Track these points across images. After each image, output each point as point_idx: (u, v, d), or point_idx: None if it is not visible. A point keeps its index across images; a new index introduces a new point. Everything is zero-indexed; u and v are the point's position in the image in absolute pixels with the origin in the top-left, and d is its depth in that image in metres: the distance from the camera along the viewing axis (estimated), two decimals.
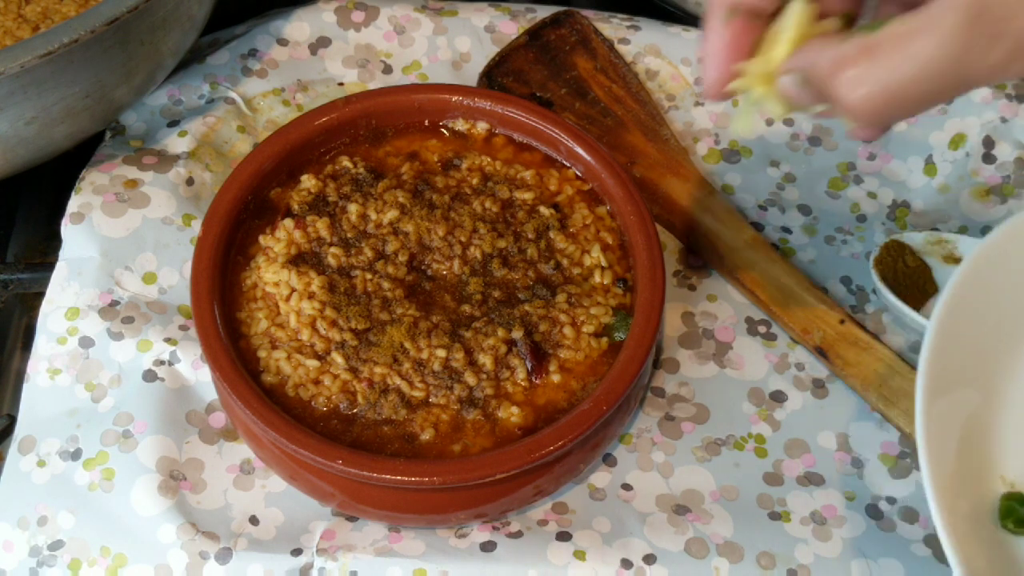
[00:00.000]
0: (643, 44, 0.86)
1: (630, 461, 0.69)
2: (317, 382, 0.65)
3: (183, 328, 0.72)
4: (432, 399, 0.65)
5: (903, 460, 0.69)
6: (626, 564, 0.64)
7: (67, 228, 0.75)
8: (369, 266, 0.68)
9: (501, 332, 0.66)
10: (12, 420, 0.70)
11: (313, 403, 0.65)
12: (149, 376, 0.70)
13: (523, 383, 0.65)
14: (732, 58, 0.54)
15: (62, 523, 0.65)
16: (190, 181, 0.78)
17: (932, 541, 0.66)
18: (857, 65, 0.48)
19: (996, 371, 0.65)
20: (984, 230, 0.78)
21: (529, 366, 0.65)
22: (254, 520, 0.66)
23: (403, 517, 0.65)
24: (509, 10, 0.88)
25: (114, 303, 0.73)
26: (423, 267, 0.69)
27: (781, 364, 0.73)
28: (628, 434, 0.70)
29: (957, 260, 0.75)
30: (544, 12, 0.88)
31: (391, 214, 0.69)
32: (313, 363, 0.65)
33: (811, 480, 0.69)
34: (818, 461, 0.69)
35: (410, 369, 0.65)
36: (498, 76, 0.84)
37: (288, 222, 0.70)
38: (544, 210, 0.71)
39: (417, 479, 0.61)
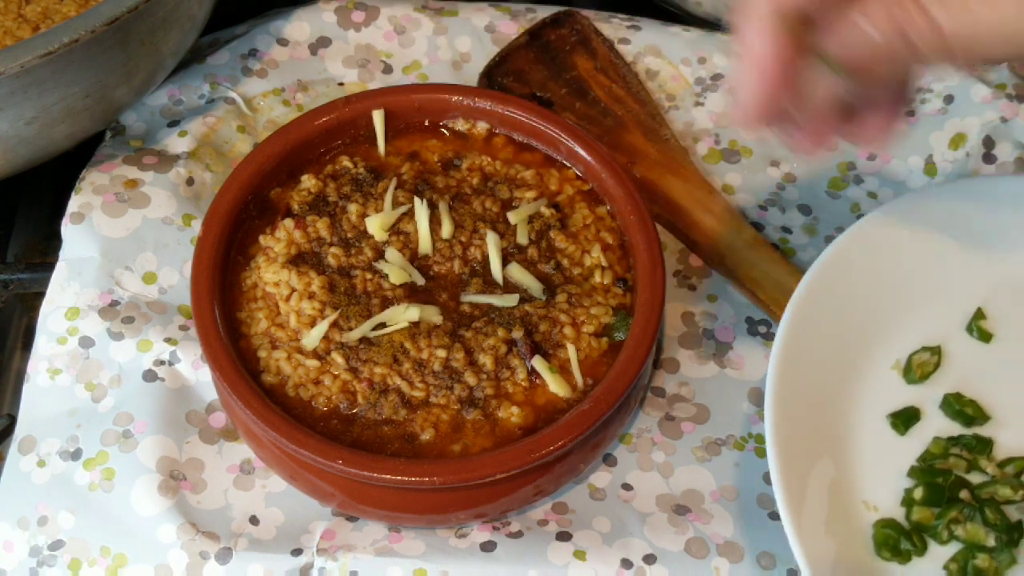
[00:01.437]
0: (643, 44, 0.86)
1: (630, 461, 0.69)
2: (317, 382, 0.65)
3: (183, 328, 0.72)
4: (432, 399, 0.65)
5: None
6: (626, 564, 0.64)
7: (67, 228, 0.75)
8: (369, 266, 0.68)
9: (501, 332, 0.66)
10: (12, 420, 0.70)
11: (313, 403, 0.65)
12: (149, 376, 0.70)
13: (523, 383, 0.65)
14: (781, 79, 0.50)
15: (62, 523, 0.65)
16: (190, 181, 0.78)
17: None
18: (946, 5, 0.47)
19: (841, 399, 0.67)
20: None
21: (529, 366, 0.65)
22: (254, 520, 0.66)
23: (403, 517, 0.65)
24: (509, 10, 0.88)
25: (114, 303, 0.73)
26: (423, 267, 0.69)
27: None
28: (628, 434, 0.70)
29: None
30: (544, 12, 0.88)
31: (391, 215, 0.70)
32: (313, 363, 0.65)
33: None
34: None
35: (410, 369, 0.65)
36: (498, 76, 0.84)
37: (288, 222, 0.70)
38: (544, 210, 0.71)
39: (417, 479, 0.61)
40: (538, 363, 0.65)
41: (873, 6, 0.49)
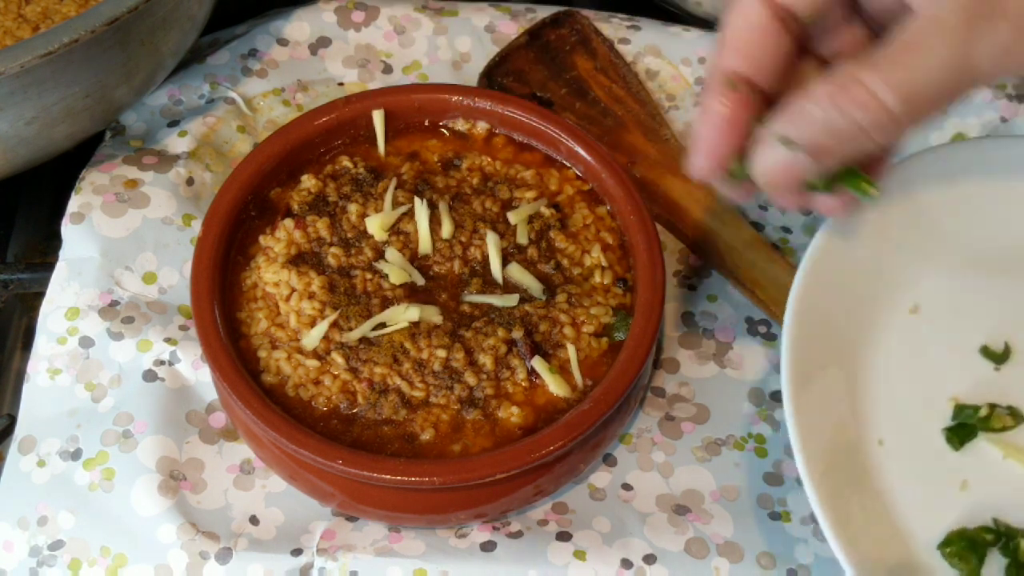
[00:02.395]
0: (643, 44, 0.86)
1: (630, 461, 0.69)
2: (317, 382, 0.65)
3: (183, 328, 0.72)
4: (432, 399, 0.65)
5: None
6: (626, 564, 0.64)
7: (67, 228, 0.75)
8: (369, 266, 0.68)
9: (501, 332, 0.66)
10: (12, 420, 0.70)
11: (313, 403, 0.65)
12: (149, 376, 0.70)
13: (523, 383, 0.65)
14: (729, 138, 0.52)
15: (62, 523, 0.65)
16: (190, 181, 0.78)
17: None
18: (879, 70, 0.48)
19: (856, 346, 0.66)
20: None
21: (529, 366, 0.65)
22: (254, 520, 0.66)
23: (403, 517, 0.65)
24: (509, 10, 0.88)
25: (114, 303, 0.73)
26: (423, 267, 0.69)
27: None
28: (628, 434, 0.70)
29: None
30: (544, 12, 0.88)
31: (391, 215, 0.70)
32: (313, 363, 0.65)
33: None
34: None
35: (410, 369, 0.65)
36: (498, 76, 0.84)
37: (288, 222, 0.70)
38: (544, 210, 0.71)
39: (417, 479, 0.61)
40: (538, 363, 0.65)
41: (817, 89, 0.49)
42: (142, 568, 0.64)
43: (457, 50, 0.87)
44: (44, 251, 0.84)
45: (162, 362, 0.70)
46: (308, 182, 0.72)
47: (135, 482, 0.66)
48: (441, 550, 0.65)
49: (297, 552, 0.64)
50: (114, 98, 0.74)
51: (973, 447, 0.65)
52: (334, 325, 0.66)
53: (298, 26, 0.87)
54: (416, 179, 0.72)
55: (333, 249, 0.69)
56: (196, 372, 0.70)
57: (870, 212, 0.65)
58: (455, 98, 0.75)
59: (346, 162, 0.73)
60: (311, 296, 0.67)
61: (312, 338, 0.65)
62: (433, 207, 0.70)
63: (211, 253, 0.67)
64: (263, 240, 0.70)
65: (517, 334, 0.66)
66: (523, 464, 0.61)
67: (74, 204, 0.76)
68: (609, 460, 0.69)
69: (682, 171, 0.80)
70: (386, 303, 0.67)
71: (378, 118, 0.74)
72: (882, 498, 0.62)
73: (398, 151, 0.75)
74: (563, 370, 0.66)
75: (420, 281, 0.68)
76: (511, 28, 0.87)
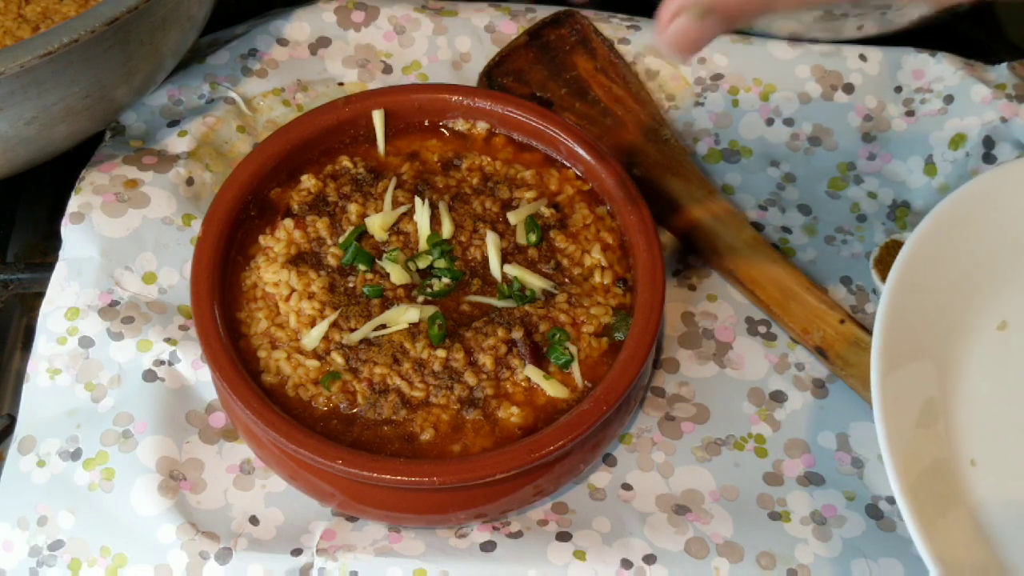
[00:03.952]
0: (643, 44, 0.86)
1: (630, 461, 0.69)
2: (317, 382, 0.65)
3: (183, 328, 0.72)
4: (432, 399, 0.65)
5: None
6: (626, 564, 0.64)
7: (67, 228, 0.75)
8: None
9: (501, 332, 0.66)
10: (12, 420, 0.70)
11: (313, 403, 0.65)
12: (149, 376, 0.70)
13: (523, 383, 0.65)
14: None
15: (62, 523, 0.65)
16: (190, 181, 0.78)
17: None
18: None
19: (949, 342, 0.65)
20: None
21: (528, 367, 0.65)
22: (254, 520, 0.66)
23: (403, 517, 0.65)
24: (509, 10, 0.88)
25: (114, 303, 0.73)
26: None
27: (781, 364, 0.73)
28: (628, 434, 0.70)
29: None
30: (544, 12, 0.88)
31: (391, 215, 0.70)
32: (313, 363, 0.65)
33: (811, 480, 0.69)
34: (818, 461, 0.69)
35: (410, 369, 0.65)
36: (498, 76, 0.84)
37: (288, 222, 0.70)
38: (544, 210, 0.71)
39: (417, 479, 0.61)
40: (531, 371, 0.65)
41: None
42: (142, 568, 0.64)
43: (457, 50, 0.87)
44: (44, 251, 0.84)
45: (162, 362, 0.70)
46: (308, 182, 0.72)
47: (135, 482, 0.66)
48: (441, 550, 0.65)
49: (297, 552, 0.64)
50: (114, 98, 0.74)
51: None
52: (334, 325, 0.66)
53: (298, 26, 0.87)
54: (416, 179, 0.72)
55: (333, 249, 0.69)
56: (196, 372, 0.70)
57: (958, 225, 0.65)
58: (455, 98, 0.75)
59: (346, 162, 0.73)
60: (311, 296, 0.67)
61: (312, 338, 0.65)
62: (433, 207, 0.70)
63: (211, 253, 0.67)
64: (263, 240, 0.70)
65: (517, 334, 0.66)
66: (523, 464, 0.61)
67: (74, 204, 0.76)
68: (609, 460, 0.69)
69: (682, 171, 0.80)
70: (386, 303, 0.67)
71: (378, 118, 0.74)
72: (974, 517, 0.61)
73: (398, 151, 0.75)
74: (562, 370, 0.66)
75: (420, 281, 0.68)
76: (511, 28, 0.87)
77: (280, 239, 0.69)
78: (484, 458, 0.61)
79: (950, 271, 0.66)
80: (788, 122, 0.84)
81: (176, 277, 0.74)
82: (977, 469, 0.63)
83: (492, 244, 0.68)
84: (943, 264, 0.66)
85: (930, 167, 0.81)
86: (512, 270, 0.68)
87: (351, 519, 0.66)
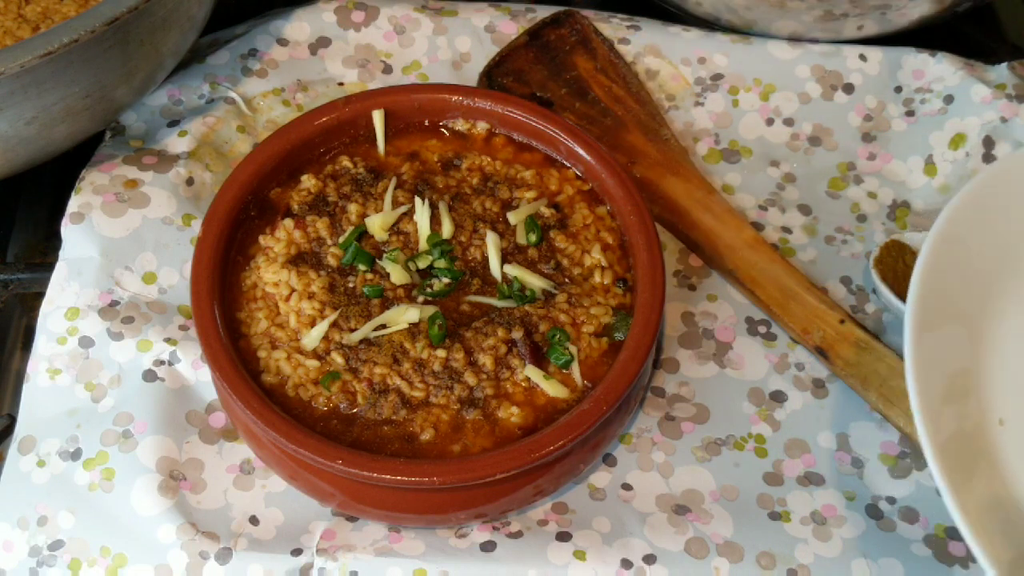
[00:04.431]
0: (643, 44, 0.86)
1: (630, 461, 0.69)
2: (317, 382, 0.65)
3: (183, 328, 0.72)
4: (432, 399, 0.65)
5: (903, 460, 0.69)
6: (626, 564, 0.64)
7: (67, 228, 0.75)
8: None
9: (501, 332, 0.66)
10: (12, 420, 0.70)
11: (313, 403, 0.65)
12: (149, 376, 0.70)
13: (523, 383, 0.65)
14: None
15: (62, 523, 0.65)
16: (190, 181, 0.78)
17: (932, 541, 0.66)
18: None
19: (982, 310, 0.66)
20: None
21: (527, 368, 0.65)
22: (254, 520, 0.66)
23: (403, 517, 0.65)
24: (509, 10, 0.88)
25: (114, 303, 0.73)
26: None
27: (781, 364, 0.73)
28: (628, 434, 0.70)
29: None
30: (544, 12, 0.88)
31: (391, 215, 0.69)
32: (313, 363, 0.65)
33: (811, 480, 0.69)
34: (818, 461, 0.69)
35: (410, 369, 0.65)
36: (498, 76, 0.84)
37: (288, 222, 0.70)
38: (544, 210, 0.71)
39: (417, 479, 0.61)
40: (531, 372, 0.65)
41: None
42: (142, 568, 0.64)
43: (457, 50, 0.87)
44: (44, 251, 0.84)
45: (162, 362, 0.70)
46: (308, 182, 0.72)
47: (135, 482, 0.66)
48: (441, 550, 0.65)
49: (297, 552, 0.64)
50: (114, 98, 0.74)
51: None
52: (334, 325, 0.66)
53: (298, 26, 0.87)
54: (416, 179, 0.72)
55: (333, 249, 0.69)
56: (196, 372, 0.70)
57: (994, 196, 0.66)
58: (455, 98, 0.75)
59: (346, 162, 0.73)
60: (311, 296, 0.67)
61: (312, 338, 0.65)
62: (433, 207, 0.70)
63: (211, 253, 0.67)
64: (263, 240, 0.70)
65: (517, 334, 0.66)
66: (523, 464, 0.61)
67: (74, 204, 0.76)
68: (609, 460, 0.69)
69: (682, 171, 0.80)
70: (386, 303, 0.67)
71: (378, 118, 0.74)
72: (1002, 475, 0.62)
73: (398, 151, 0.75)
74: (562, 370, 0.66)
75: (420, 281, 0.68)
76: (511, 28, 0.87)
77: (280, 239, 0.69)
78: (484, 458, 0.61)
79: (985, 241, 0.66)
80: (788, 122, 0.84)
81: (176, 277, 0.74)
82: (1005, 428, 0.63)
83: (492, 244, 0.68)
84: (981, 232, 0.66)
85: (930, 167, 0.81)
86: (512, 270, 0.68)
87: (351, 519, 0.66)
